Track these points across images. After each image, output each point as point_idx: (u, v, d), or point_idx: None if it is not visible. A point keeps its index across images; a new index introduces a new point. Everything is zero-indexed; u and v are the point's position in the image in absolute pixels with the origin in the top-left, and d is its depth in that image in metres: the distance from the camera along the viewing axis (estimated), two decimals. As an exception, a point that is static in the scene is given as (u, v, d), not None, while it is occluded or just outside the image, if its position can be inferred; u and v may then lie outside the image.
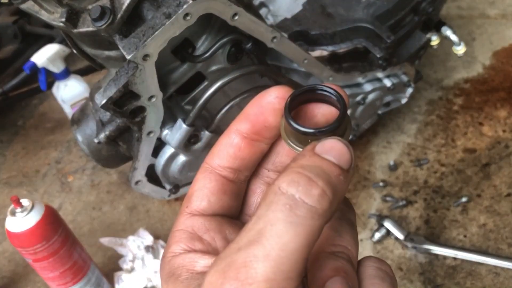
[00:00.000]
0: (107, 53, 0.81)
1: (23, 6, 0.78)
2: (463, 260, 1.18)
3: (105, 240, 1.34)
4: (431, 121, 1.53)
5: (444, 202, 1.31)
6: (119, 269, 1.30)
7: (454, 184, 1.35)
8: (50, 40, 1.77)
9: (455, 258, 1.19)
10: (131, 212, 1.49)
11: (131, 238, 1.33)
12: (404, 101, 1.39)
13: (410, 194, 1.35)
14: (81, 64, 1.83)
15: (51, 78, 1.61)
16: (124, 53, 0.70)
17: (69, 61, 1.65)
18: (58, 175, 1.66)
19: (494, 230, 1.23)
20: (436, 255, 1.20)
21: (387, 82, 1.24)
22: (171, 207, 1.47)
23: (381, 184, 1.37)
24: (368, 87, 1.23)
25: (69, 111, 1.65)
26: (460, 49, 1.34)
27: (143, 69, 0.73)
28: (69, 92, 1.60)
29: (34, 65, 1.50)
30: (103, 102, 0.73)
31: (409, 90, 1.35)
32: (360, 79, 1.21)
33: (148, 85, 0.76)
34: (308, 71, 1.07)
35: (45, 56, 1.50)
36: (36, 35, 1.91)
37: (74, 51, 0.84)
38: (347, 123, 0.33)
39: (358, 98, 1.19)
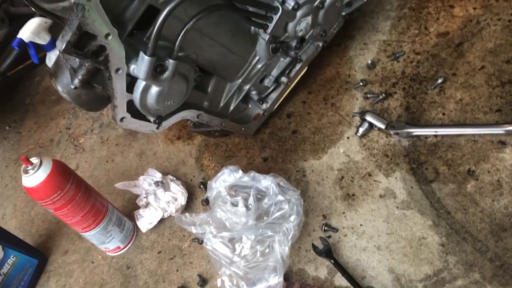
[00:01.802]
0: (61, 4, 0.88)
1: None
2: (443, 136, 1.25)
3: (119, 185, 1.47)
4: (404, 14, 1.56)
5: (422, 88, 1.37)
6: (138, 207, 1.43)
7: (430, 68, 1.40)
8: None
9: (436, 136, 1.26)
10: (141, 157, 1.60)
11: (141, 177, 1.45)
12: (366, -2, 1.40)
13: (390, 87, 1.41)
14: (68, 33, 1.92)
15: (43, 51, 1.70)
16: (68, -3, 0.78)
17: (54, 31, 1.74)
18: (70, 140, 1.78)
19: (470, 102, 1.29)
20: (418, 137, 1.28)
21: (344, -18, 1.27)
22: (175, 145, 1.57)
23: (361, 84, 1.43)
24: (325, -10, 1.26)
25: (65, 79, 1.75)
26: None
27: (90, 9, 0.81)
28: (61, 60, 1.69)
29: (21, 41, 1.58)
30: (63, 47, 0.82)
31: (369, -14, 1.37)
32: (315, -16, 1.23)
33: (100, 24, 0.84)
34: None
35: (29, 30, 1.58)
36: (22, 16, 1.99)
37: (33, 9, 0.92)
38: None
39: (316, 2, 1.23)
